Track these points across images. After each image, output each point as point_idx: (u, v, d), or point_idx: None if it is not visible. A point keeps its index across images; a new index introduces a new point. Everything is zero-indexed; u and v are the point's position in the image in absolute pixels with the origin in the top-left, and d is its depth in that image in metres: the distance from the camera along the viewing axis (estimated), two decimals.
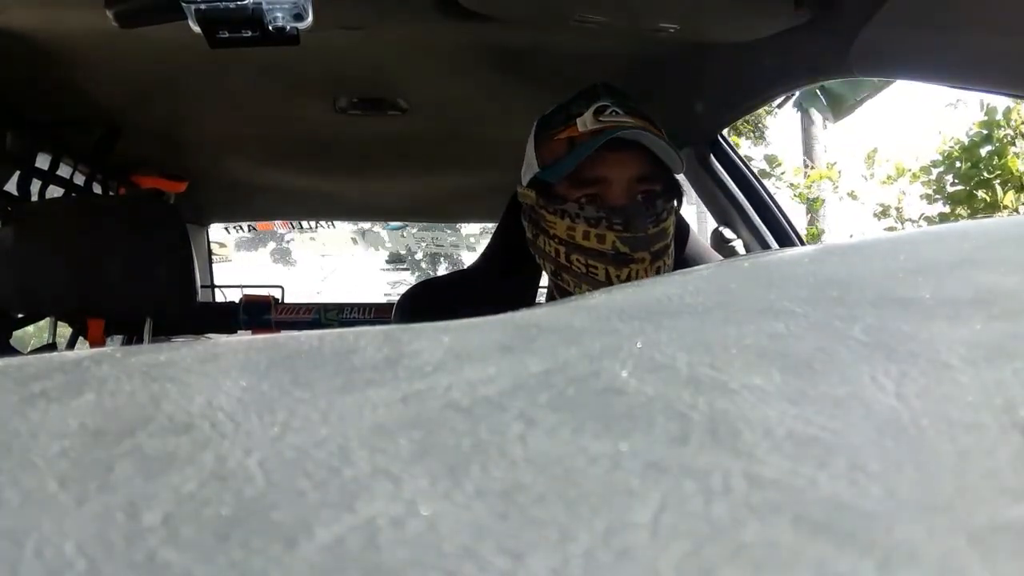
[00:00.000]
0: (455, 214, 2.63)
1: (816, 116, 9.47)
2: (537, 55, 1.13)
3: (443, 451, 0.14)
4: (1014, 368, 0.16)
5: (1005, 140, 5.97)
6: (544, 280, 1.04)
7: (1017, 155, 5.79)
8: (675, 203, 0.88)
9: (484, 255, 1.02)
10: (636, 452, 0.13)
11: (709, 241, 1.40)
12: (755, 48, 1.00)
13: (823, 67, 1.01)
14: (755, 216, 1.44)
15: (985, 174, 5.97)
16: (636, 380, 0.16)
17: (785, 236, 1.44)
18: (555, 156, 0.86)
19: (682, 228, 1.01)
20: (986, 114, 6.21)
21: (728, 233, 1.46)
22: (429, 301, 0.99)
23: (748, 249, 1.42)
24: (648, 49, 1.14)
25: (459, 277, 1.03)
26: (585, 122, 0.84)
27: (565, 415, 0.15)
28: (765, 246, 1.40)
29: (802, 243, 1.50)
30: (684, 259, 0.97)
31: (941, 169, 6.34)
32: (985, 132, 5.97)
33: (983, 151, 5.98)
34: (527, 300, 0.98)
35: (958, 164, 6.19)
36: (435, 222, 3.95)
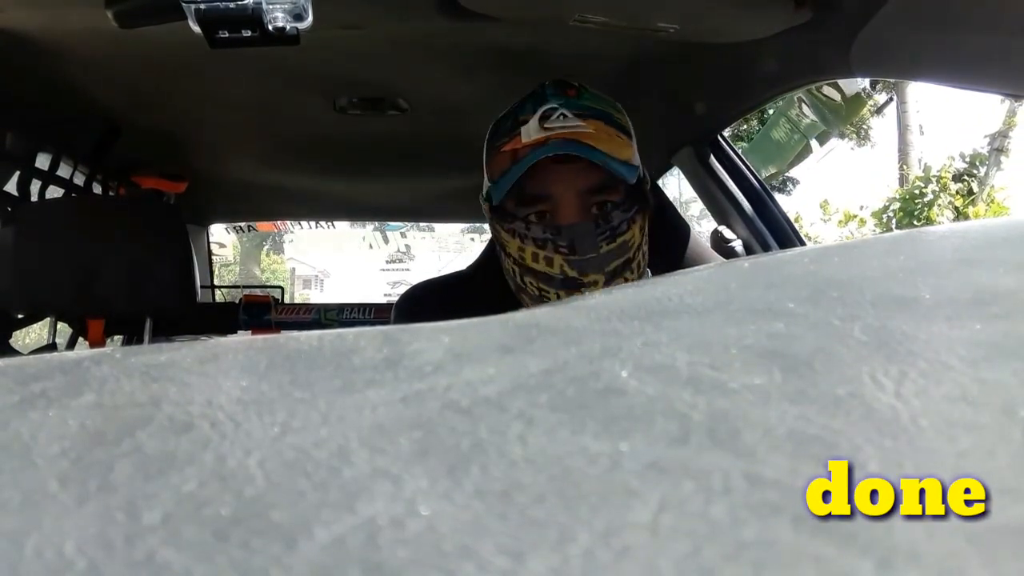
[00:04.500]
0: (455, 214, 2.63)
1: (913, 123, 9.77)
2: (537, 55, 1.13)
3: (443, 451, 0.14)
4: (1014, 368, 0.16)
5: (934, 194, 7.38)
6: None
7: (940, 207, 7.22)
8: (638, 211, 0.80)
9: (483, 254, 1.02)
10: (636, 452, 0.13)
11: (708, 241, 1.40)
12: (755, 48, 1.00)
13: (823, 67, 1.01)
14: (755, 216, 1.44)
15: (915, 223, 7.69)
16: (636, 380, 0.16)
17: (785, 236, 1.44)
18: (501, 170, 0.79)
19: (682, 230, 1.00)
20: (923, 171, 7.71)
21: (728, 233, 1.46)
22: (428, 302, 0.99)
23: (748, 249, 1.42)
24: (648, 49, 1.14)
25: (457, 278, 1.03)
26: (529, 131, 0.76)
27: (565, 415, 0.15)
28: (765, 246, 1.40)
29: (802, 243, 1.50)
30: (685, 261, 0.97)
31: (890, 214, 8.27)
32: (921, 186, 7.51)
33: (918, 203, 7.33)
34: None
35: (901, 212, 8.11)
36: (435, 222, 3.96)
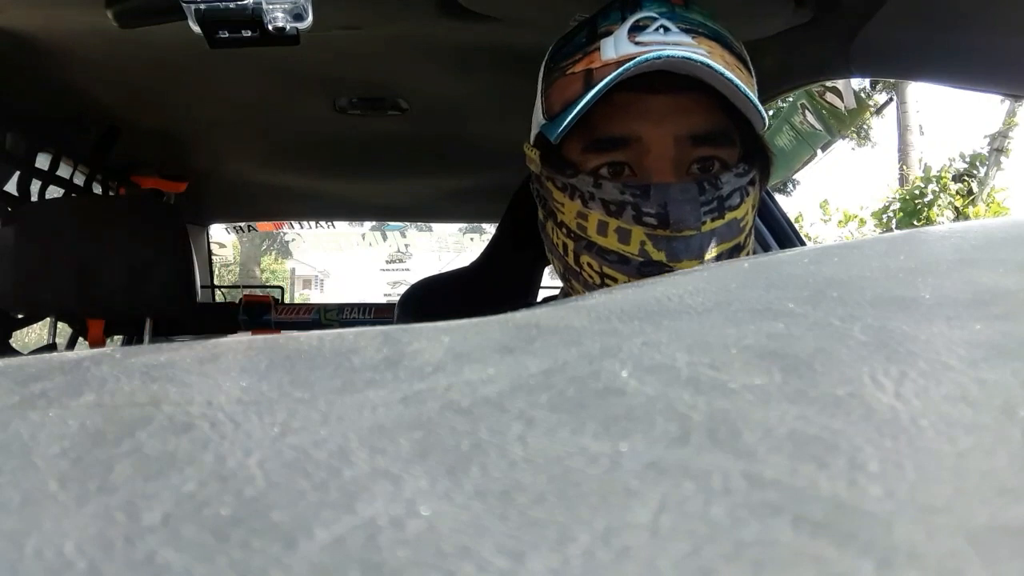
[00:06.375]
0: (455, 214, 2.64)
1: (913, 123, 9.77)
2: (537, 55, 1.13)
3: (443, 451, 0.13)
4: (1014, 368, 0.16)
5: (934, 194, 7.54)
6: (546, 280, 1.02)
7: (940, 207, 7.40)
8: (757, 176, 0.57)
9: (486, 251, 1.02)
10: (636, 452, 0.13)
11: None
12: (755, 48, 1.00)
13: (823, 67, 1.01)
14: (755, 216, 1.44)
15: (915, 223, 7.91)
16: (636, 380, 0.16)
17: (785, 236, 1.44)
18: (564, 100, 0.56)
19: None
20: (923, 171, 7.89)
21: None
22: (431, 299, 0.99)
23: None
24: None
25: (460, 275, 1.03)
26: (615, 45, 0.53)
27: (565, 415, 0.15)
28: (765, 246, 1.40)
29: (802, 243, 1.50)
30: None
31: (890, 214, 8.36)
32: (921, 186, 7.74)
33: (918, 203, 7.64)
34: (529, 297, 0.98)
35: (901, 212, 8.29)
36: (435, 222, 3.96)
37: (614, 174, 0.56)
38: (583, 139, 0.56)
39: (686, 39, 0.53)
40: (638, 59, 0.50)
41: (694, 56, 0.50)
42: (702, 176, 0.55)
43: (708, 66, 0.50)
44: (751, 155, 0.57)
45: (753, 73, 0.59)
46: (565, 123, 0.54)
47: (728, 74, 0.50)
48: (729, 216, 0.54)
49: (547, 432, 0.14)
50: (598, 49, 0.54)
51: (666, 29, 0.53)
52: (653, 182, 0.54)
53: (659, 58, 0.50)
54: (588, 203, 0.55)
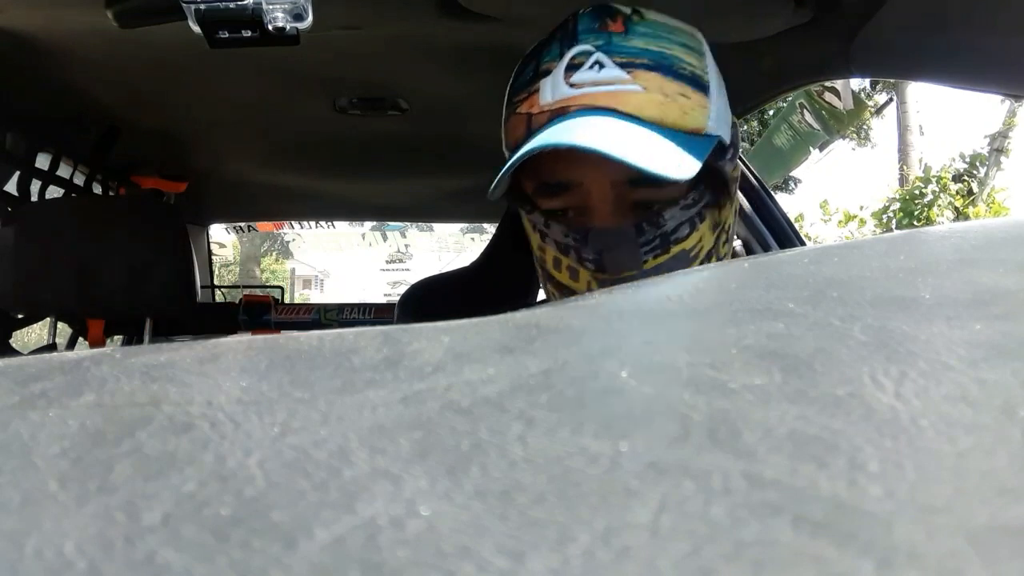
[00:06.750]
0: (455, 214, 2.64)
1: (913, 123, 9.77)
2: None
3: (443, 451, 0.13)
4: (1014, 368, 0.16)
5: (934, 194, 7.57)
6: None
7: (940, 207, 7.43)
8: (709, 204, 0.56)
9: (486, 251, 1.02)
10: (636, 452, 0.13)
11: None
12: (755, 48, 1.00)
13: (823, 67, 1.01)
14: (755, 216, 1.44)
15: (915, 223, 7.53)
16: (636, 380, 0.16)
17: (785, 236, 1.43)
18: (515, 139, 0.57)
19: None
20: (923, 171, 7.92)
21: None
22: (432, 299, 0.99)
23: (748, 249, 1.42)
24: None
25: (460, 275, 1.03)
26: (552, 88, 0.54)
27: (565, 415, 0.15)
28: (765, 246, 1.40)
29: (802, 243, 1.50)
30: None
31: (890, 214, 8.41)
32: (921, 186, 7.77)
33: (918, 203, 7.68)
34: (529, 298, 0.98)
35: (901, 213, 8.34)
36: (435, 222, 3.96)
37: (561, 213, 0.58)
38: (533, 180, 0.58)
39: (620, 75, 0.53)
40: (529, 147, 0.51)
41: (580, 143, 0.49)
42: (643, 216, 0.55)
43: (595, 151, 0.49)
44: (701, 181, 0.55)
45: (709, 89, 0.57)
46: (496, 182, 0.56)
47: (615, 155, 0.49)
48: (676, 249, 0.55)
49: (547, 432, 0.14)
50: (538, 91, 0.55)
51: (601, 65, 0.53)
52: (594, 226, 0.55)
53: (546, 147, 0.50)
54: (544, 239, 0.58)
